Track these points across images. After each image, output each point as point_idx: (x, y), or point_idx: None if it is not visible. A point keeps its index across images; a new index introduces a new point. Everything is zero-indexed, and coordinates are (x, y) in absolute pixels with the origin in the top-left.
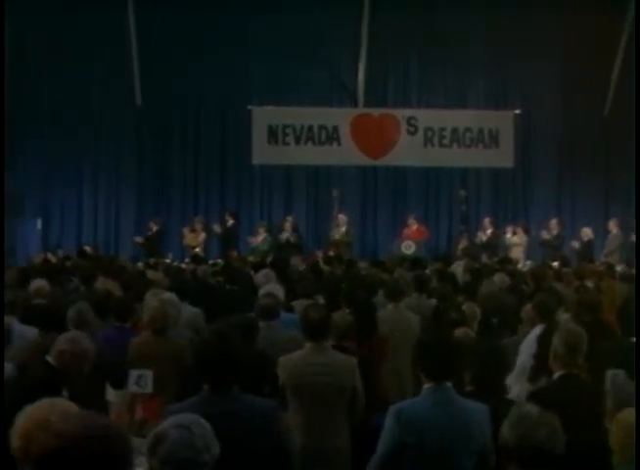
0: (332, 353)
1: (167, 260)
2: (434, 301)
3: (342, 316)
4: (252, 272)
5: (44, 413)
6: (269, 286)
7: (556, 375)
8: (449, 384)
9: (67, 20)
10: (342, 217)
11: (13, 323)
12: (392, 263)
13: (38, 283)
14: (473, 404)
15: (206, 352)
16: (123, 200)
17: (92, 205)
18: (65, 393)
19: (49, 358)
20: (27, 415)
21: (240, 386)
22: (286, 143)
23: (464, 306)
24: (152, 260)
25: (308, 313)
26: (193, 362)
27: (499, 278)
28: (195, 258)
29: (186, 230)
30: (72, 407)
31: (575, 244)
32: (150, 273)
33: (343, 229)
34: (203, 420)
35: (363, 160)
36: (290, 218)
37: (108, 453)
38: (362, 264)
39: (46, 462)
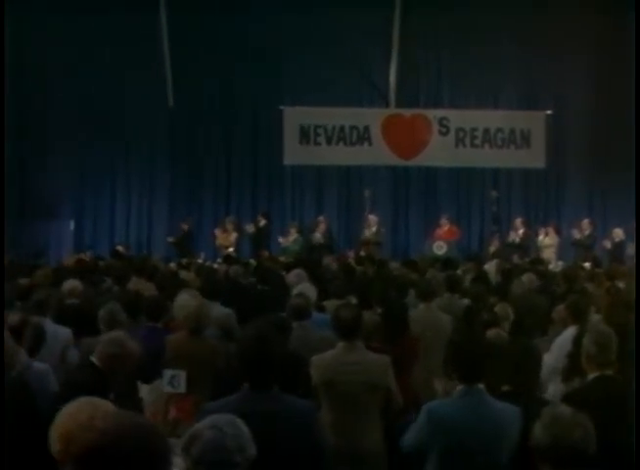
0: (364, 353)
1: (199, 261)
2: (465, 301)
3: (370, 316)
4: (284, 272)
5: (85, 413)
6: (302, 286)
7: (590, 376)
8: (481, 385)
9: (98, 21)
10: (372, 218)
11: (46, 323)
12: (424, 264)
13: (71, 283)
14: (504, 406)
15: (249, 349)
16: (156, 200)
17: (125, 206)
18: (111, 395)
19: (93, 359)
20: (68, 415)
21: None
22: (317, 143)
23: (496, 307)
24: (184, 261)
25: (340, 313)
26: (233, 361)
27: (527, 278)
28: (227, 259)
29: (218, 231)
30: (110, 407)
31: (607, 244)
32: (182, 273)
33: (374, 229)
34: (238, 421)
35: (394, 160)
36: (321, 219)
37: (147, 452)
38: (394, 265)
39: (86, 461)
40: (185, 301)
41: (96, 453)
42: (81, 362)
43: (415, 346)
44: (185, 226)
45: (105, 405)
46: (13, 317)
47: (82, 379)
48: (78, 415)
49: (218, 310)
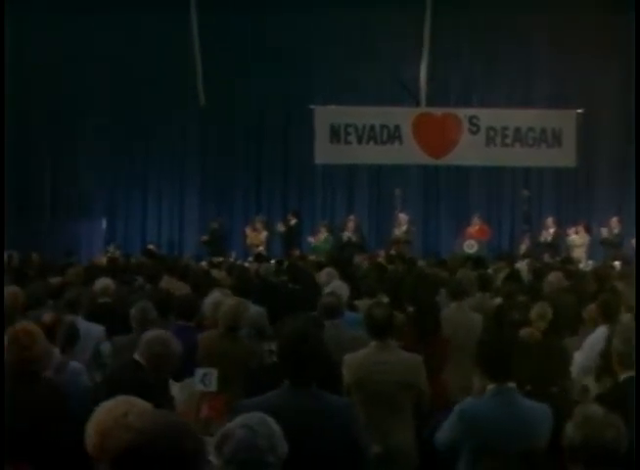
0: (397, 352)
1: (231, 259)
2: (497, 300)
3: (401, 315)
4: (315, 271)
5: (121, 409)
6: (334, 284)
7: (622, 377)
8: (512, 384)
9: (130, 19)
10: (402, 216)
11: (78, 321)
12: (455, 263)
13: (103, 282)
14: (535, 405)
15: (291, 346)
16: (187, 199)
17: (156, 204)
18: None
19: (137, 357)
20: (104, 411)
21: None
22: (348, 142)
23: (535, 306)
24: (215, 260)
25: (373, 312)
26: (268, 359)
27: (555, 277)
28: (258, 257)
29: (248, 230)
30: (146, 405)
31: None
32: (214, 272)
33: (404, 228)
34: (270, 419)
35: (425, 159)
36: (352, 218)
37: (182, 452)
38: (424, 263)
39: (122, 459)
40: (219, 298)
41: (132, 453)
42: (123, 360)
43: (446, 345)
44: (216, 225)
45: (141, 403)
46: (46, 316)
47: (127, 377)
48: (115, 411)
49: (250, 309)
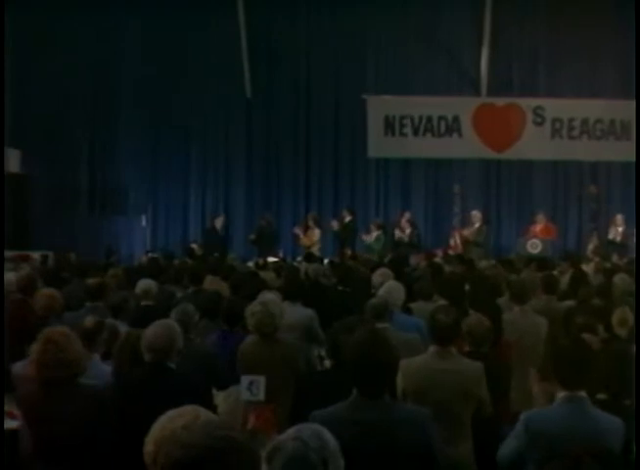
0: (458, 359)
1: (278, 259)
2: (564, 303)
3: (479, 320)
4: (369, 272)
5: (183, 419)
6: (389, 284)
7: None
8: (583, 393)
9: (173, 15)
10: (475, 214)
11: (121, 328)
12: (518, 263)
13: (145, 284)
14: (609, 418)
15: (361, 353)
16: (232, 195)
17: (199, 201)
18: None
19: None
20: (167, 419)
21: None
22: (403, 134)
23: (616, 311)
24: (260, 260)
25: (438, 316)
26: (316, 365)
27: (620, 279)
28: (307, 257)
29: (298, 230)
30: (213, 417)
31: None
32: (262, 273)
33: (476, 226)
34: (324, 431)
35: (486, 152)
36: (407, 214)
37: (233, 465)
38: (485, 264)
39: None
40: (253, 305)
41: (180, 466)
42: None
43: (509, 351)
44: (264, 222)
45: (208, 416)
46: (88, 320)
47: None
48: (176, 422)
49: (300, 312)
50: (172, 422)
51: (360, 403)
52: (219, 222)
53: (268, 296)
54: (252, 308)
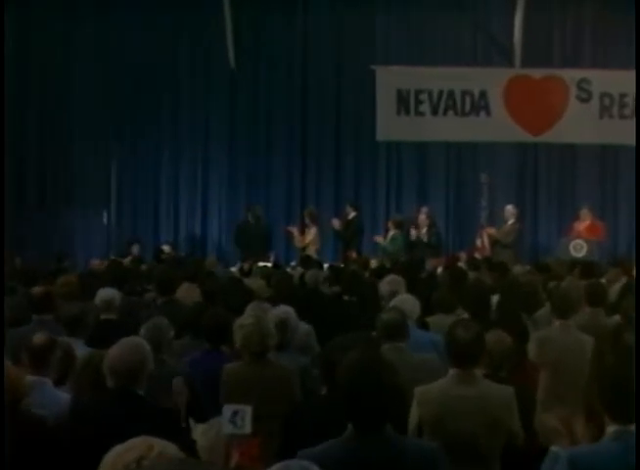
0: (484, 384)
1: (269, 264)
2: (613, 318)
3: (499, 338)
4: (377, 279)
5: (135, 452)
6: (400, 298)
7: None
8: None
9: None
10: (507, 209)
11: (77, 346)
12: (560, 269)
13: (107, 294)
14: None
15: (353, 379)
16: (211, 185)
17: (172, 191)
18: None
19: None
20: (116, 456)
21: None
22: (419, 113)
23: None
24: (246, 265)
25: (457, 333)
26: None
27: None
28: (304, 261)
29: (293, 228)
30: (171, 448)
31: None
32: (248, 280)
33: (508, 223)
34: (314, 468)
35: (520, 135)
36: (424, 210)
37: None
38: (519, 269)
39: None
40: (242, 318)
41: None
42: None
43: (534, 376)
44: (250, 219)
45: (162, 445)
46: (37, 338)
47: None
48: (127, 456)
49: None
50: (122, 457)
51: (355, 440)
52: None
53: (283, 309)
54: (242, 321)
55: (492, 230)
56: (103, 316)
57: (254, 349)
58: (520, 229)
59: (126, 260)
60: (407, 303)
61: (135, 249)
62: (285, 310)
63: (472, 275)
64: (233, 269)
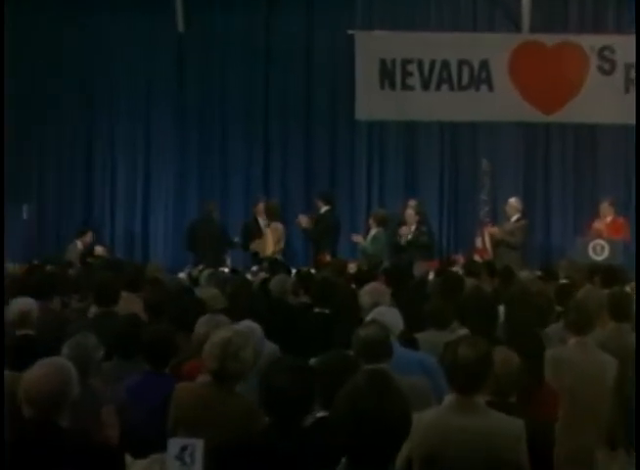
0: (487, 414)
1: (225, 269)
2: None
3: (506, 358)
4: (355, 287)
5: None
6: (381, 309)
7: None
8: None
9: None
10: (512, 203)
11: None
12: (577, 275)
13: (23, 304)
14: None
15: (347, 411)
16: (155, 173)
17: (108, 185)
18: None
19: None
20: None
21: None
22: (407, 87)
23: None
24: (195, 271)
25: (460, 351)
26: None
27: None
28: (271, 265)
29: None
30: None
31: None
32: (198, 290)
33: (513, 220)
34: None
35: (529, 114)
36: (412, 203)
37: None
38: (527, 275)
39: None
40: (203, 329)
41: None
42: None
43: (552, 403)
44: (205, 215)
45: None
46: None
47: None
48: None
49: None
50: None
51: None
52: None
53: (246, 324)
54: (215, 333)
55: (495, 229)
56: (18, 332)
57: (215, 367)
58: (528, 226)
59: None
60: (389, 315)
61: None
62: (248, 326)
63: (470, 282)
64: (181, 276)
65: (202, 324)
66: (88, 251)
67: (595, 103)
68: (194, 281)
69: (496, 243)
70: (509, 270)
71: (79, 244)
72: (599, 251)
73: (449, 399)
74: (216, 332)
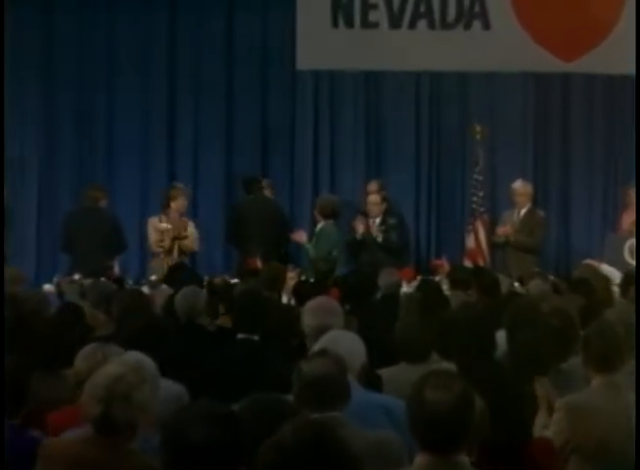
0: None
1: (111, 278)
2: None
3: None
4: (294, 302)
5: None
6: (332, 335)
7: None
8: None
9: None
10: (519, 188)
11: None
12: (603, 284)
13: None
14: None
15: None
16: (17, 151)
17: None
18: None
19: None
20: None
21: None
22: (369, 24)
23: None
24: (65, 281)
25: (426, 395)
26: None
27: None
28: (170, 275)
29: (153, 220)
30: None
31: None
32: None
33: (522, 211)
34: None
35: (540, 61)
36: (373, 186)
37: None
38: (538, 285)
39: None
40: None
41: None
42: None
43: (551, 461)
44: (87, 203)
45: None
46: None
47: None
48: None
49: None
50: None
51: None
52: None
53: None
54: (105, 373)
55: (507, 229)
56: None
57: (98, 413)
58: (543, 217)
59: None
60: (345, 342)
61: None
62: (137, 360)
63: (456, 297)
64: (47, 287)
65: (82, 358)
66: None
67: (631, 48)
68: (61, 293)
69: (493, 242)
70: (519, 281)
71: None
72: (631, 253)
73: (419, 459)
74: (102, 368)
